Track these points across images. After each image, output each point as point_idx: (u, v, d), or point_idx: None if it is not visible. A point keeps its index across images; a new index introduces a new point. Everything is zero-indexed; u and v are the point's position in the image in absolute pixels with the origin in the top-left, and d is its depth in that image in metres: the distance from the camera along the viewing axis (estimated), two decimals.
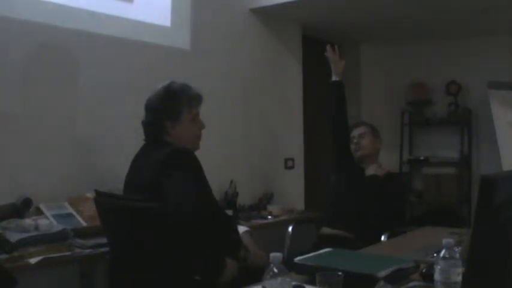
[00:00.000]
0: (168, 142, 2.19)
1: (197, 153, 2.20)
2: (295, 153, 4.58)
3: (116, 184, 2.42)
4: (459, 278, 1.31)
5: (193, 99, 2.27)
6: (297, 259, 1.73)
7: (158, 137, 2.21)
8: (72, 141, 2.94)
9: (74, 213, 2.72)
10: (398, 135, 5.48)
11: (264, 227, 3.55)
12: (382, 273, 1.53)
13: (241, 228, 2.37)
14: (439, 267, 1.36)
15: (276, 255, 1.31)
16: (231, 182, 3.66)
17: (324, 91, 3.59)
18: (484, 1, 3.98)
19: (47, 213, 2.63)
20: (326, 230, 3.08)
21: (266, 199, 4.02)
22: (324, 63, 3.38)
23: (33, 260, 2.22)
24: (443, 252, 1.36)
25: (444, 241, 1.37)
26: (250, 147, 4.13)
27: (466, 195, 5.20)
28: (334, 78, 3.29)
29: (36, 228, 2.42)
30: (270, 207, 3.88)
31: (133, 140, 2.30)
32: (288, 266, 1.43)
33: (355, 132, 3.22)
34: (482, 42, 5.07)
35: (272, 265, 1.30)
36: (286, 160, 4.49)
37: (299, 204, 4.49)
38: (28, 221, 2.45)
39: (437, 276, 1.36)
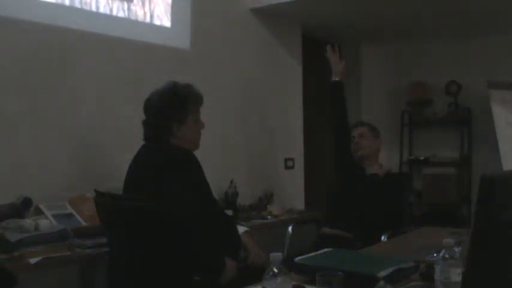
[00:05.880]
0: (170, 143, 2.19)
1: (197, 153, 2.20)
2: (295, 153, 4.58)
3: (116, 184, 2.42)
4: (459, 278, 1.31)
5: (197, 101, 2.27)
6: (297, 259, 1.73)
7: (161, 138, 2.20)
8: (72, 141, 2.94)
9: (74, 213, 2.73)
10: (398, 135, 5.48)
11: (264, 227, 3.55)
12: (382, 273, 1.53)
13: (241, 228, 2.37)
14: (439, 267, 1.36)
15: (276, 255, 1.31)
16: (231, 182, 3.66)
17: (324, 91, 3.59)
18: (484, 1, 3.98)
19: (47, 213, 2.63)
20: (326, 230, 3.08)
21: (266, 199, 4.02)
22: (324, 63, 3.38)
23: (33, 260, 2.22)
24: (443, 252, 1.36)
25: (444, 241, 1.37)
26: (250, 147, 4.13)
27: (466, 195, 5.20)
28: (334, 78, 3.29)
29: (36, 228, 2.41)
30: (270, 207, 3.88)
31: (133, 140, 2.30)
32: (288, 266, 1.43)
33: (355, 132, 3.22)
34: (482, 42, 5.07)
35: (272, 265, 1.30)
36: (286, 160, 4.49)
37: (299, 204, 4.49)
38: (28, 221, 2.45)
39: (437, 276, 1.36)
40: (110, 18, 3.17)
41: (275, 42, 4.39)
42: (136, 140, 2.28)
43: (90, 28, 3.04)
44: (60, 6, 2.92)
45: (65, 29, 2.92)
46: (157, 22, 3.43)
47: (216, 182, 2.72)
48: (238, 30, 4.06)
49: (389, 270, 1.57)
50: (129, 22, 3.29)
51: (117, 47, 3.18)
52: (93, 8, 3.07)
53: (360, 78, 5.52)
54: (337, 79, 3.28)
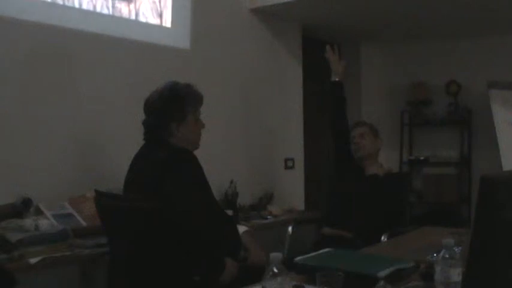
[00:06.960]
0: (169, 143, 2.19)
1: (197, 153, 2.20)
2: (295, 153, 4.58)
3: (116, 184, 2.42)
4: (459, 278, 1.32)
5: (197, 100, 2.27)
6: (297, 259, 1.73)
7: (161, 138, 2.20)
8: (72, 141, 2.94)
9: (74, 213, 2.73)
10: (398, 135, 5.48)
11: (264, 227, 3.55)
12: (382, 273, 1.53)
13: (242, 228, 2.37)
14: (439, 267, 1.36)
15: (276, 255, 1.31)
16: (231, 182, 3.66)
17: (324, 91, 3.60)
18: (484, 1, 3.98)
19: (47, 213, 2.63)
20: (326, 230, 3.08)
21: (266, 199, 4.02)
22: (324, 64, 3.38)
23: (33, 260, 2.22)
24: (443, 252, 1.36)
25: (444, 241, 1.37)
26: (250, 147, 4.13)
27: (466, 195, 5.20)
28: (334, 78, 3.29)
29: (36, 228, 2.42)
30: (270, 207, 3.88)
31: (133, 140, 2.30)
32: (288, 266, 1.43)
33: (355, 132, 3.21)
34: (482, 42, 5.07)
35: (272, 265, 1.30)
36: (286, 160, 4.49)
37: (299, 204, 4.49)
38: (28, 221, 2.45)
39: (437, 276, 1.36)
40: (109, 18, 3.16)
41: (275, 42, 4.39)
42: (136, 140, 2.28)
43: (90, 28, 3.04)
44: (60, 6, 2.92)
45: (64, 29, 2.92)
46: (143, 20, 3.39)
47: (216, 182, 2.72)
48: (238, 30, 4.05)
49: (389, 270, 1.57)
50: (129, 22, 3.28)
51: (117, 47, 3.18)
52: (76, 5, 3.02)
53: (359, 78, 5.52)
54: (336, 79, 3.28)
